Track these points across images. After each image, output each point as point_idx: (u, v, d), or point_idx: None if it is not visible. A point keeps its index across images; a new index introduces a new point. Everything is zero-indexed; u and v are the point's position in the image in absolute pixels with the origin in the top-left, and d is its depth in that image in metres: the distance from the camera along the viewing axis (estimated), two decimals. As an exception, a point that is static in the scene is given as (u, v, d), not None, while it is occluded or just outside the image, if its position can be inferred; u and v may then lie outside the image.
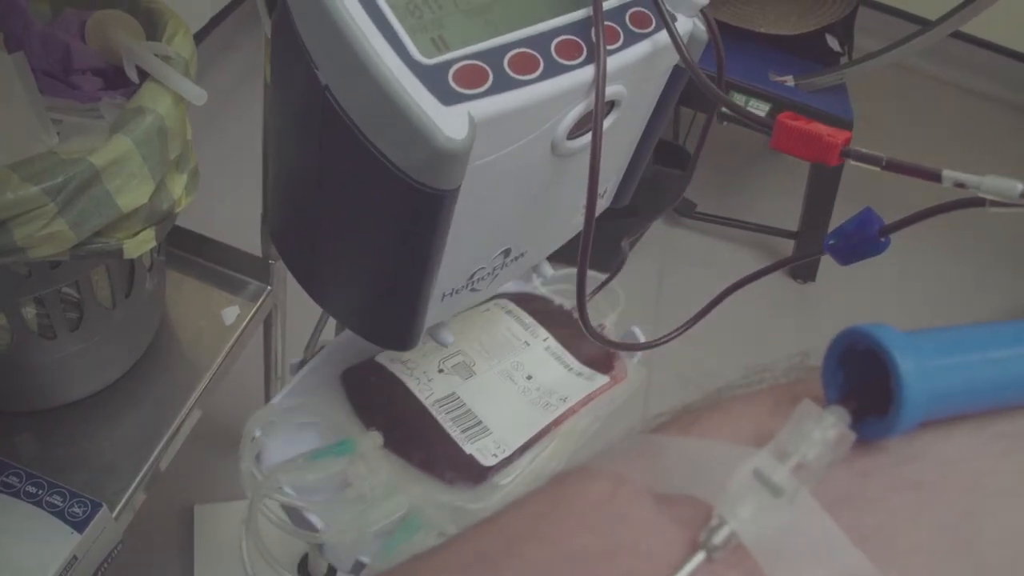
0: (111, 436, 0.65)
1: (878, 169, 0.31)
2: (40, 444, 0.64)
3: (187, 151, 0.56)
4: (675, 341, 0.42)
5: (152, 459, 0.64)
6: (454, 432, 0.44)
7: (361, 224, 0.30)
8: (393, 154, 0.26)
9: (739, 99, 1.30)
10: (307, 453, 0.43)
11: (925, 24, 1.30)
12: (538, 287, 0.56)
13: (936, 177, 0.29)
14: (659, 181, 1.27)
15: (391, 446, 0.44)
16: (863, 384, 0.13)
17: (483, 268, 0.34)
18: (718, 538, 0.11)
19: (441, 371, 0.47)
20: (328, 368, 0.47)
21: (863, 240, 0.33)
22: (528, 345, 0.50)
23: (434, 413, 0.45)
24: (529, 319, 0.51)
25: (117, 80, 0.55)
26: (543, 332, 0.51)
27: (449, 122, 0.25)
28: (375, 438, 0.44)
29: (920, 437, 0.13)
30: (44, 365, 0.60)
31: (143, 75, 0.53)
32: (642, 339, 0.53)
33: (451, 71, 0.26)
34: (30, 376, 0.61)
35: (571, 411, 0.46)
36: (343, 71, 0.26)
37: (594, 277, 0.54)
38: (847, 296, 1.50)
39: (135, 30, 0.56)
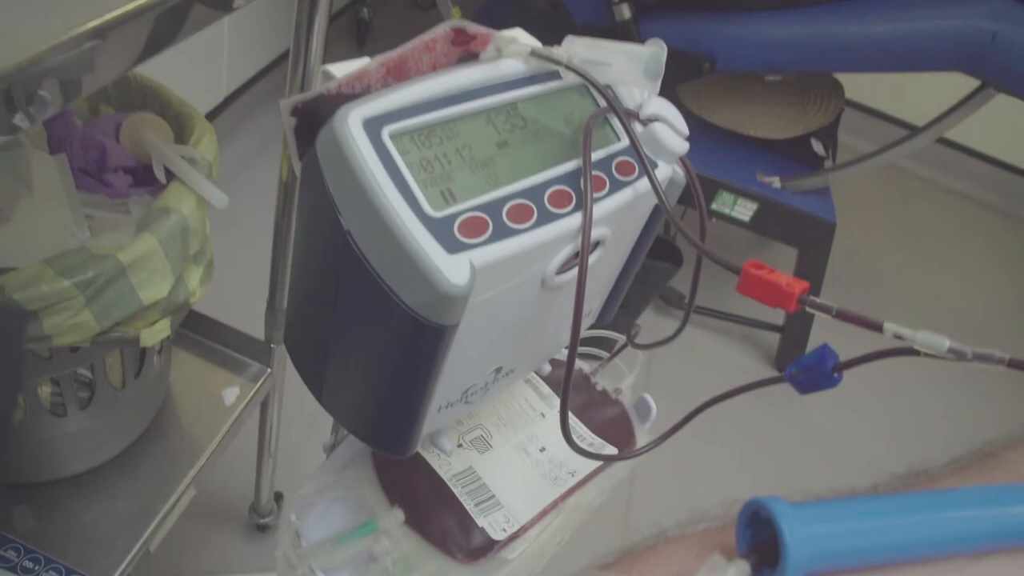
0: (107, 511, 0.67)
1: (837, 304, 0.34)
2: (37, 517, 0.66)
3: (205, 245, 0.60)
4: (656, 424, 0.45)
5: (145, 536, 0.66)
6: (469, 506, 0.46)
7: (369, 348, 0.33)
8: (403, 293, 0.30)
9: (728, 198, 1.36)
10: (334, 537, 0.46)
11: (906, 126, 1.37)
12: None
13: (879, 328, 0.33)
14: (648, 275, 1.32)
15: (411, 522, 0.46)
16: (766, 541, 0.16)
17: (476, 384, 0.38)
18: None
19: (460, 446, 0.50)
20: (360, 444, 0.50)
21: (819, 374, 0.37)
22: (544, 416, 0.53)
23: (452, 487, 0.47)
24: (547, 389, 0.54)
25: (146, 177, 0.59)
26: (558, 403, 0.54)
27: (453, 269, 0.29)
28: (397, 515, 0.47)
29: None
30: (50, 440, 0.63)
31: (170, 175, 0.57)
32: (653, 407, 0.56)
33: (456, 222, 0.30)
34: (35, 450, 0.64)
35: (578, 485, 0.49)
36: (363, 220, 0.30)
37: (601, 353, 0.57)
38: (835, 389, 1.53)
39: (165, 132, 0.61)
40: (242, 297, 0.91)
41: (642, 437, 0.54)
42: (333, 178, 0.31)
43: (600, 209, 0.34)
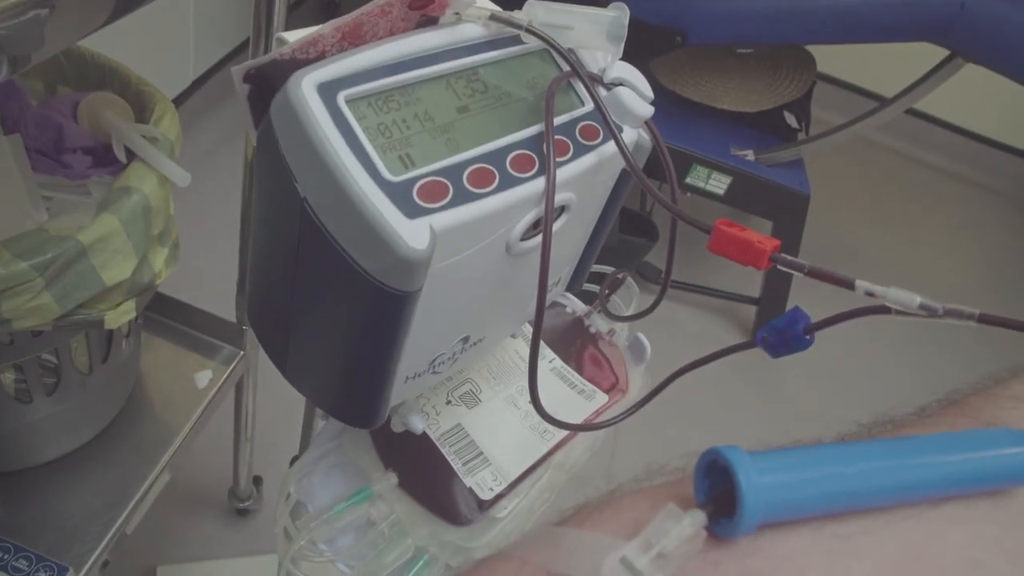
0: (80, 498, 0.66)
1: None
2: (8, 506, 0.65)
3: (169, 225, 0.59)
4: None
5: (120, 522, 0.65)
6: (457, 465, 0.46)
7: (331, 318, 0.33)
8: (362, 260, 0.29)
9: (702, 172, 1.37)
10: (330, 507, 0.46)
11: (878, 99, 1.37)
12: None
13: (850, 285, 0.32)
14: (624, 250, 1.32)
15: (404, 485, 0.46)
16: (724, 490, 0.16)
17: (443, 354, 0.37)
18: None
19: (449, 403, 0.50)
20: None
21: (791, 336, 0.37)
22: None
23: (440, 447, 0.47)
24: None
25: (106, 158, 0.58)
26: (549, 353, 0.54)
27: (412, 234, 0.28)
28: (391, 479, 0.47)
29: (764, 535, 0.17)
30: (17, 428, 0.62)
31: (131, 155, 0.56)
32: (647, 346, 0.56)
33: (415, 187, 0.29)
34: (2, 439, 0.63)
35: (566, 439, 0.49)
36: (320, 186, 0.29)
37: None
38: (811, 358, 1.54)
39: (125, 111, 0.59)
40: (214, 279, 0.90)
41: (636, 379, 0.55)
42: (288, 145, 0.30)
43: (564, 173, 0.34)
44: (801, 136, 1.50)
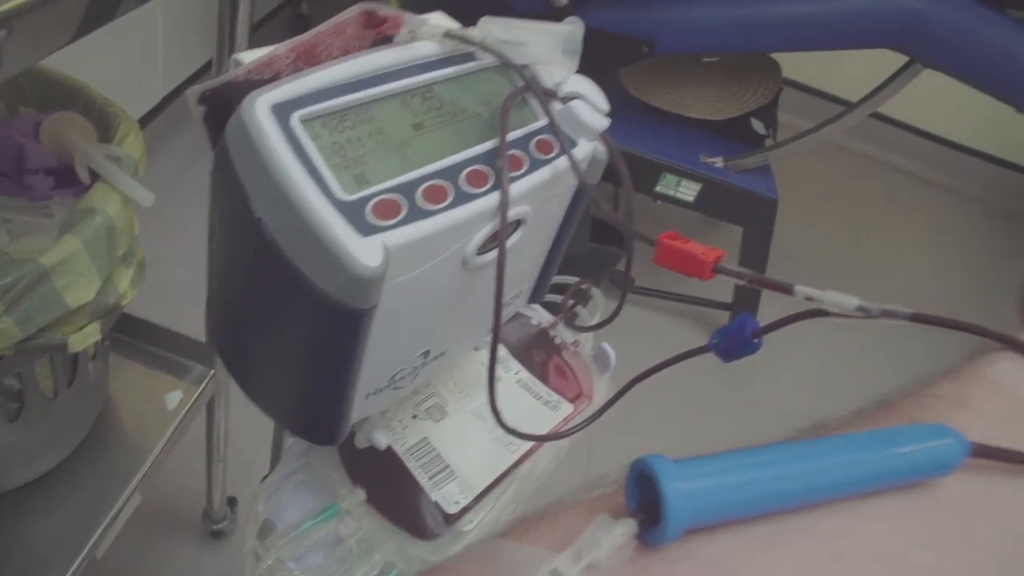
0: (46, 525, 0.66)
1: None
2: (-29, 534, 0.64)
3: (134, 246, 0.59)
4: (615, 410, 0.46)
5: (88, 548, 0.64)
6: (423, 479, 0.47)
7: (289, 336, 0.33)
8: (317, 278, 0.29)
9: (671, 180, 1.38)
10: (298, 525, 0.46)
11: (844, 104, 1.40)
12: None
13: (789, 291, 0.33)
14: (595, 259, 1.33)
15: (372, 501, 0.47)
16: (652, 499, 0.17)
17: (404, 369, 0.38)
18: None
19: (415, 417, 0.50)
20: None
21: (740, 341, 0.37)
22: (499, 379, 0.53)
23: (406, 462, 0.47)
24: (504, 351, 0.55)
25: (69, 179, 0.58)
26: (515, 365, 0.54)
27: (365, 251, 0.28)
28: (359, 495, 0.47)
29: (692, 540, 0.17)
30: (-19, 455, 0.61)
31: (94, 175, 0.56)
32: (612, 355, 0.57)
33: (369, 205, 0.30)
34: (-34, 465, 0.62)
35: (531, 451, 0.49)
36: (274, 207, 0.29)
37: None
38: (781, 364, 1.56)
39: (88, 132, 0.59)
40: (184, 299, 0.89)
41: (601, 387, 0.55)
42: (243, 166, 0.30)
43: (518, 188, 0.34)
44: (769, 142, 1.52)
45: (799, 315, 0.35)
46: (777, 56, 1.54)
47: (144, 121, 1.49)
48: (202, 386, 0.78)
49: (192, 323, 0.82)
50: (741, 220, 1.47)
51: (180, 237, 1.18)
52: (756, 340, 0.38)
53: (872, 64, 1.34)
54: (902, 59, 1.27)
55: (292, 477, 0.51)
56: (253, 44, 0.43)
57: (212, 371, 0.80)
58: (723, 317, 1.61)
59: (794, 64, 1.69)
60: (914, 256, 2.02)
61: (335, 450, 0.51)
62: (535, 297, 0.47)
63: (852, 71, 1.65)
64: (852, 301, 0.31)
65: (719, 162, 1.42)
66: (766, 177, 1.45)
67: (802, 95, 2.21)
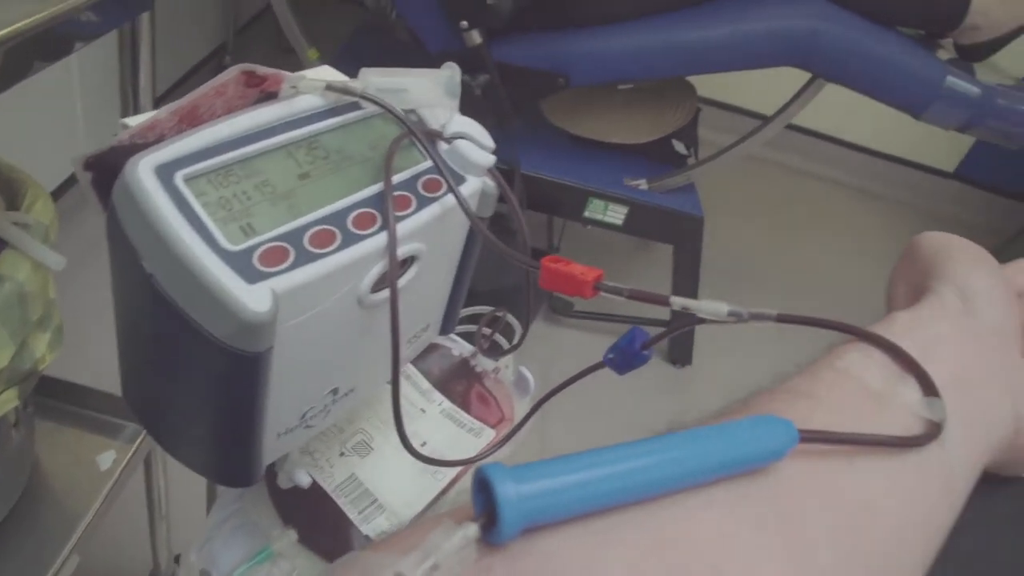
0: (-20, 597, 0.64)
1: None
2: None
3: (50, 309, 0.59)
4: (559, 426, 0.48)
5: (23, 618, 0.63)
6: (353, 514, 0.47)
7: (192, 384, 0.34)
8: (210, 327, 0.31)
9: (599, 205, 1.42)
10: (231, 571, 0.47)
11: (762, 118, 1.46)
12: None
13: (666, 302, 0.36)
14: (532, 288, 1.36)
15: (304, 540, 0.47)
16: (493, 503, 0.19)
17: (313, 408, 0.39)
18: (371, 620, 0.16)
19: (342, 454, 0.51)
20: None
21: (631, 354, 0.40)
22: (424, 412, 0.54)
23: (335, 498, 0.48)
24: (426, 384, 0.56)
25: (-22, 249, 0.58)
26: (438, 396, 0.55)
27: (253, 298, 0.30)
28: (291, 535, 0.47)
29: (533, 538, 0.19)
30: (-95, 532, 0.60)
31: (3, 243, 0.56)
32: (531, 379, 0.59)
33: (256, 254, 0.31)
34: None
35: (458, 476, 0.51)
36: (163, 262, 0.31)
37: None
38: (724, 373, 1.60)
39: (-5, 200, 0.59)
40: (112, 361, 0.89)
41: (522, 411, 0.57)
42: (131, 226, 0.31)
43: (407, 226, 0.36)
44: (691, 161, 1.58)
45: (679, 325, 0.38)
46: (692, 77, 1.60)
47: (67, 186, 1.48)
48: (136, 444, 0.78)
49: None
50: (670, 239, 1.52)
51: (103, 299, 1.17)
52: (645, 352, 0.40)
53: (783, 79, 1.40)
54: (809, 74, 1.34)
55: (225, 524, 0.52)
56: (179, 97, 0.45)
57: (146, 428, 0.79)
58: (662, 333, 1.64)
59: (711, 83, 1.76)
60: (840, 260, 2.09)
61: (266, 492, 0.52)
62: (445, 329, 0.49)
63: (767, 86, 1.72)
64: (723, 308, 0.33)
65: (643, 184, 1.46)
66: (690, 195, 1.50)
67: (721, 112, 2.29)
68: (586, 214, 1.43)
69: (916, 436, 0.26)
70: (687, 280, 1.54)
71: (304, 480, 0.45)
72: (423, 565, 0.17)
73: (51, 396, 0.78)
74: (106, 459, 0.76)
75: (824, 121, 2.40)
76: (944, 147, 2.47)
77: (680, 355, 1.63)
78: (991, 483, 0.32)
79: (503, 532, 0.18)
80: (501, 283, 1.26)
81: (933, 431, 0.27)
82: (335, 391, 0.40)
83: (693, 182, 1.50)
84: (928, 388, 0.28)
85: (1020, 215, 2.42)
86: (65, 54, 0.51)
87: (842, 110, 2.20)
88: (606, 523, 0.20)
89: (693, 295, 1.18)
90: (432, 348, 0.60)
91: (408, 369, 0.58)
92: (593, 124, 1.50)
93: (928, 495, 0.26)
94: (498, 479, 0.18)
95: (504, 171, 1.33)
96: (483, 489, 0.19)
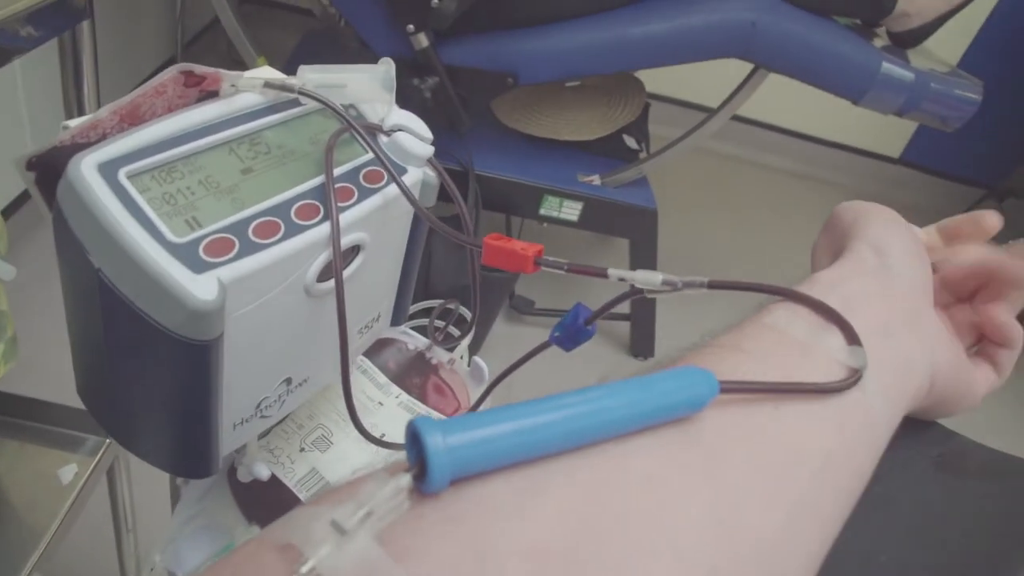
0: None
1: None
2: None
3: (3, 321, 0.59)
4: None
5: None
6: None
7: (145, 377, 0.35)
8: (159, 317, 0.32)
9: (554, 202, 1.44)
10: (194, 570, 0.47)
11: (709, 111, 1.49)
12: (393, 328, 0.61)
13: (604, 274, 0.37)
14: (490, 285, 1.37)
15: None
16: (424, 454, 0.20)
17: (268, 397, 0.40)
18: (304, 569, 0.18)
19: (303, 449, 0.51)
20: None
21: (576, 330, 0.41)
22: (382, 405, 0.55)
23: (297, 493, 0.49)
24: (383, 378, 0.57)
25: (-74, 264, 0.58)
26: (395, 389, 0.56)
27: (200, 287, 0.31)
28: (253, 531, 0.48)
29: (466, 487, 0.20)
30: None
31: (-48, 257, 0.56)
32: (486, 369, 0.60)
33: (201, 245, 0.32)
34: None
35: None
36: (110, 257, 0.31)
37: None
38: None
39: (-58, 215, 0.59)
40: (70, 375, 0.88)
41: (475, 401, 0.58)
42: (76, 222, 0.32)
43: (350, 216, 0.38)
44: (642, 155, 1.60)
45: (620, 297, 0.40)
46: (640, 73, 1.63)
47: (19, 203, 1.46)
48: (98, 456, 0.78)
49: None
50: (626, 232, 1.54)
51: (62, 316, 1.16)
52: (589, 327, 0.42)
53: (733, 71, 1.44)
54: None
55: (188, 524, 0.53)
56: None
57: (108, 440, 0.79)
58: (624, 327, 1.67)
59: (659, 79, 1.79)
60: (791, 246, 2.14)
61: (228, 491, 0.53)
62: (396, 319, 0.50)
63: (715, 79, 1.76)
64: (657, 277, 0.35)
65: (596, 180, 1.49)
66: (643, 189, 1.53)
67: (671, 107, 2.33)
68: (542, 212, 1.45)
69: (837, 382, 0.28)
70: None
71: (263, 473, 0.46)
72: (357, 513, 0.19)
73: (9, 413, 0.77)
74: (67, 473, 0.75)
75: (771, 112, 2.46)
76: (889, 134, 2.55)
77: (643, 348, 1.65)
78: (910, 428, 0.34)
79: (433, 481, 0.20)
80: (459, 282, 1.27)
81: (854, 377, 0.28)
82: (288, 381, 0.41)
83: (645, 176, 1.53)
84: (851, 337, 0.30)
85: (964, 198, 2.50)
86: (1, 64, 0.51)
87: (788, 101, 2.26)
88: (536, 471, 0.21)
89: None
90: (387, 343, 0.61)
91: (364, 364, 0.59)
92: (544, 123, 1.52)
93: (850, 439, 0.28)
94: (427, 430, 0.20)
95: (458, 172, 1.34)
96: (415, 442, 0.20)
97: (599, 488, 0.22)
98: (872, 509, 0.29)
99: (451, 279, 1.26)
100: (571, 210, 1.45)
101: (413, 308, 0.58)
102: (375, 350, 0.60)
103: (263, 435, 0.51)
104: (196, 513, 0.53)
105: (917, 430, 0.35)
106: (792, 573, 0.24)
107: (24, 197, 1.46)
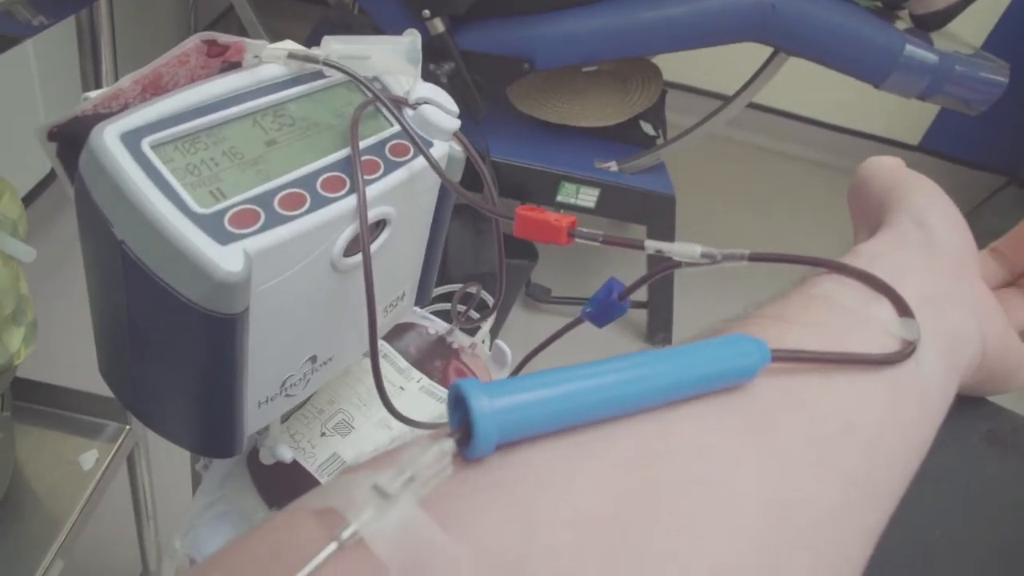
0: (-35, 603, 0.64)
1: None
2: None
3: (23, 305, 0.58)
4: None
5: (11, 619, 0.63)
6: None
7: (170, 352, 0.34)
8: (185, 289, 0.31)
9: (571, 188, 1.43)
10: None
11: (725, 99, 1.47)
12: (414, 313, 0.61)
13: (640, 247, 0.36)
14: (507, 274, 1.36)
15: None
16: (469, 418, 0.19)
17: (293, 375, 0.39)
18: (345, 534, 0.17)
19: (323, 434, 0.51)
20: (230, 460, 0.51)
21: (609, 305, 0.40)
22: (403, 390, 0.55)
23: (318, 477, 0.48)
24: (404, 363, 0.56)
25: (-55, 247, 0.57)
26: (416, 374, 0.56)
27: (226, 258, 0.30)
28: None
29: (511, 452, 0.19)
30: None
31: (-29, 240, 0.55)
32: (508, 351, 0.60)
33: (226, 216, 0.32)
34: None
35: None
36: (133, 228, 0.31)
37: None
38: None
39: (-39, 198, 0.59)
40: (89, 362, 0.88)
41: None
42: (100, 194, 0.32)
43: (376, 189, 0.37)
44: (659, 142, 1.59)
45: (657, 270, 0.39)
46: (657, 60, 1.61)
47: (39, 190, 1.46)
48: (118, 442, 0.78)
49: (101, 384, 0.81)
50: (643, 219, 1.53)
51: (80, 301, 1.16)
52: (623, 302, 0.41)
53: (752, 59, 1.42)
54: (767, 49, 1.35)
55: (208, 511, 0.52)
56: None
57: (128, 426, 0.79)
58: (641, 315, 1.66)
59: (678, 67, 1.78)
60: (808, 233, 2.12)
61: (248, 477, 0.52)
62: (421, 299, 0.49)
63: (733, 67, 1.74)
64: (696, 249, 0.34)
65: (613, 166, 1.47)
66: (661, 175, 1.51)
67: (689, 96, 2.31)
68: (559, 198, 1.44)
69: (892, 353, 0.27)
70: (662, 259, 1.55)
71: (287, 455, 0.45)
72: (400, 478, 0.18)
73: (30, 399, 0.77)
74: (88, 459, 0.75)
75: (789, 100, 2.44)
76: (908, 120, 2.51)
77: (660, 336, 1.64)
78: (959, 404, 0.33)
79: (478, 446, 0.19)
80: (478, 270, 1.26)
81: (908, 349, 0.27)
82: (313, 359, 0.40)
83: (663, 162, 1.52)
84: (902, 309, 0.29)
85: (984, 184, 2.46)
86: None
87: (806, 88, 2.23)
88: (582, 438, 0.21)
89: (670, 274, 1.19)
90: (408, 327, 0.60)
91: (385, 348, 0.58)
92: (561, 109, 1.50)
93: (904, 413, 0.27)
94: (473, 393, 0.19)
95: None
96: (459, 406, 0.19)
97: (646, 457, 0.21)
98: (923, 484, 0.28)
99: (469, 267, 1.25)
100: (588, 197, 1.44)
101: (434, 292, 0.57)
102: (396, 334, 0.59)
103: (284, 418, 0.51)
104: (216, 499, 0.52)
105: (966, 406, 0.34)
106: (850, 548, 0.23)
107: (41, 186, 1.47)
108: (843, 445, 0.24)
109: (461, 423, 0.19)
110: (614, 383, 0.21)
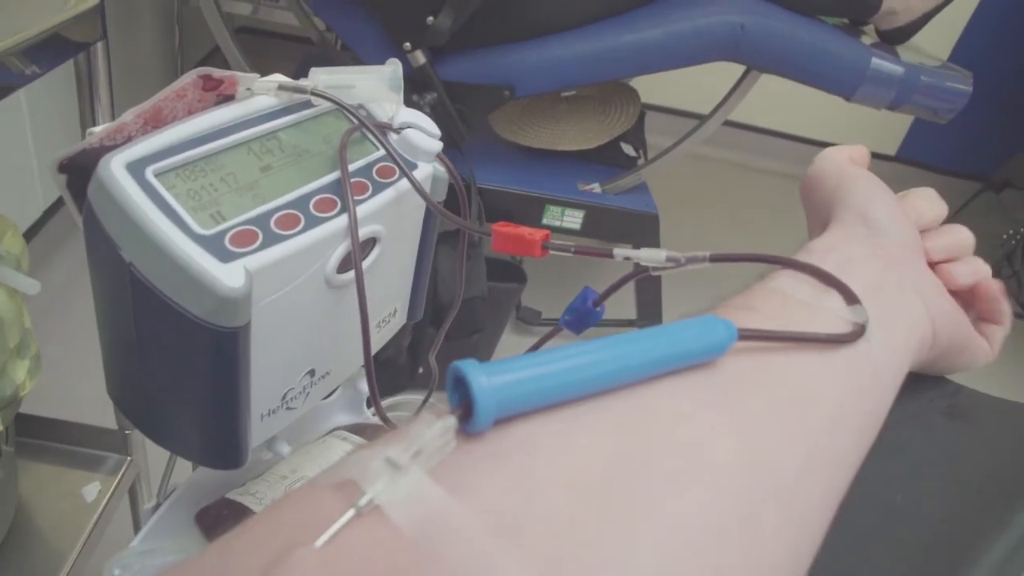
0: (-26, 637, 0.65)
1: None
2: None
3: (27, 338, 0.60)
4: None
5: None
6: None
7: (176, 366, 0.36)
8: (191, 305, 0.33)
9: (556, 211, 1.45)
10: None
11: (702, 118, 1.51)
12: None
13: (609, 255, 0.39)
14: (497, 297, 1.38)
15: None
16: (468, 396, 0.21)
17: (293, 388, 0.41)
18: (362, 501, 0.19)
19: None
20: (181, 510, 0.51)
21: (586, 312, 0.43)
22: None
23: None
24: (364, 443, 0.58)
25: (-50, 286, 0.59)
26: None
27: (228, 275, 0.32)
28: None
29: (508, 426, 0.22)
30: None
31: (-25, 277, 0.57)
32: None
33: (227, 236, 0.34)
34: None
35: None
36: (141, 250, 0.33)
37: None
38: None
39: (-36, 238, 0.61)
40: (89, 397, 0.89)
41: None
42: (107, 219, 0.34)
43: (365, 208, 0.39)
44: (640, 162, 1.62)
45: (626, 277, 0.41)
46: (635, 83, 1.66)
47: (37, 228, 1.48)
48: (120, 474, 0.79)
49: (103, 414, 0.82)
50: (628, 238, 1.56)
51: (81, 334, 1.17)
52: (598, 308, 0.43)
53: (727, 79, 1.46)
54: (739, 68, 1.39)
55: (148, 556, 0.51)
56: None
57: (129, 458, 0.80)
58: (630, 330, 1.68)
59: (652, 89, 1.82)
60: (790, 245, 2.15)
61: (200, 534, 0.51)
62: (413, 315, 0.51)
63: (707, 87, 1.78)
64: (661, 254, 0.36)
65: (597, 188, 1.50)
66: (643, 194, 1.54)
67: (666, 116, 2.35)
68: (544, 221, 1.47)
69: (844, 334, 0.30)
70: (647, 277, 1.58)
71: (283, 449, 0.47)
72: (409, 451, 0.20)
73: (32, 435, 0.78)
74: (91, 491, 0.76)
75: (765, 116, 2.49)
76: (884, 132, 2.57)
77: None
78: (919, 382, 0.35)
79: (478, 421, 0.21)
80: (467, 294, 1.29)
81: (859, 330, 0.30)
82: (312, 372, 0.42)
83: (645, 182, 1.55)
84: (850, 298, 0.31)
85: (961, 190, 2.51)
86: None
87: (782, 105, 2.29)
88: (573, 410, 0.23)
89: (656, 289, 1.24)
90: (363, 428, 0.60)
91: (343, 434, 0.57)
92: (543, 134, 1.54)
93: (860, 386, 0.30)
94: (472, 373, 0.21)
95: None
96: (459, 386, 0.22)
97: (632, 423, 0.23)
98: (885, 455, 0.31)
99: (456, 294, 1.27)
100: (573, 219, 1.47)
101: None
102: (355, 432, 0.59)
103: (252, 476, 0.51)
104: (158, 549, 0.51)
105: (926, 384, 0.36)
106: (812, 510, 0.25)
107: (38, 225, 1.49)
108: (806, 413, 0.27)
109: (461, 401, 0.21)
110: (600, 360, 0.24)
